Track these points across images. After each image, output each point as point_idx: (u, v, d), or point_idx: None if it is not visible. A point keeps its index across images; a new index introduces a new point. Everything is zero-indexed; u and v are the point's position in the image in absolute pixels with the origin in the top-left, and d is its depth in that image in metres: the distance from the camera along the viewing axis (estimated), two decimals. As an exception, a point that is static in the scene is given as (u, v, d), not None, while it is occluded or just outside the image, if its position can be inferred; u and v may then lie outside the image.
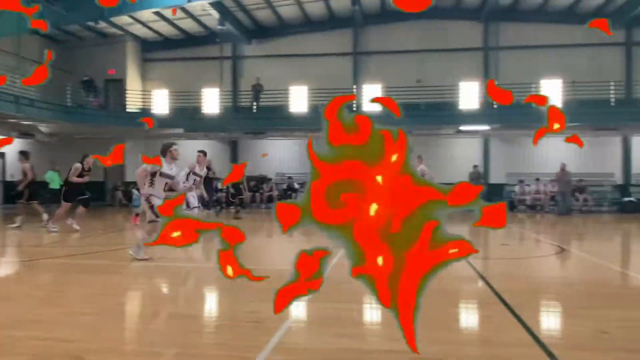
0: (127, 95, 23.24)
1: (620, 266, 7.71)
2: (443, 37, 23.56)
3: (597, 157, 22.40)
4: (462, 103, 22.14)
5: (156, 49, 25.28)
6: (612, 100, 20.75)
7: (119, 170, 24.15)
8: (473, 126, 21.20)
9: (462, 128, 21.47)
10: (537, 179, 20.04)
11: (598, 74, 22.09)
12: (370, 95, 23.27)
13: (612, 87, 20.50)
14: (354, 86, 23.18)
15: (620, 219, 16.65)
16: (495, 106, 20.47)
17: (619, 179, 21.62)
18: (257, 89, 22.27)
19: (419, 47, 23.54)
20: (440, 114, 20.67)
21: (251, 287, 5.85)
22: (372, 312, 4.91)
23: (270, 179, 22.48)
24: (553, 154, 22.74)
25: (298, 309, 4.77)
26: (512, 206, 19.83)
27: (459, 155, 23.40)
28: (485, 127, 21.05)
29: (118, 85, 23.63)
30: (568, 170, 18.84)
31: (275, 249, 10.01)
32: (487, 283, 6.03)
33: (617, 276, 6.89)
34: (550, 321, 4.66)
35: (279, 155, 24.37)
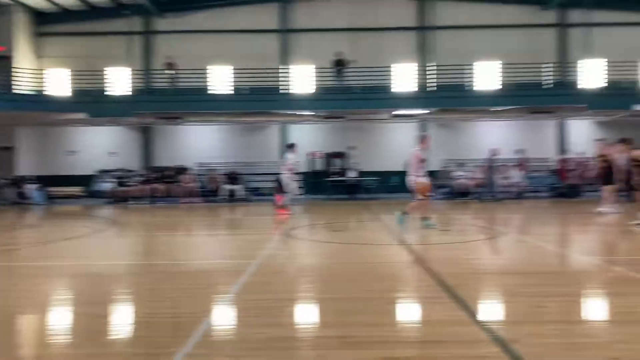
0: (15, 75, 21.79)
1: (557, 247, 8.34)
2: (375, 15, 24.14)
3: (534, 142, 23.94)
4: (397, 86, 22.76)
5: (53, 22, 23.91)
6: (548, 82, 22.15)
7: (8, 161, 22.72)
8: (409, 110, 21.87)
9: (398, 112, 22.10)
10: (464, 164, 21.10)
11: (533, 56, 23.55)
12: (300, 76, 23.42)
13: (546, 70, 21.89)
14: (282, 66, 23.21)
15: (557, 204, 17.90)
16: (430, 89, 21.29)
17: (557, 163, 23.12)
18: (172, 68, 21.65)
19: (351, 25, 23.99)
20: (374, 97, 21.14)
21: (172, 283, 5.81)
22: (304, 303, 5.04)
23: (188, 169, 22.00)
24: (491, 139, 24.07)
25: (223, 304, 4.80)
26: (453, 192, 20.73)
27: (396, 141, 24.15)
28: (421, 111, 21.79)
29: (5, 63, 22.09)
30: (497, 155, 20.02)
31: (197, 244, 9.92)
32: (427, 267, 6.34)
33: (553, 256, 7.47)
34: (488, 300, 4.99)
35: (200, 143, 23.96)
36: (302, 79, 22.45)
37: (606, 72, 22.31)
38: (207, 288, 5.46)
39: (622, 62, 21.57)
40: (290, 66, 23.41)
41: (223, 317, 4.42)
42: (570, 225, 12.26)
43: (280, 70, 22.69)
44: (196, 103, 21.39)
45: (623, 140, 10.64)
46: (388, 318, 4.29)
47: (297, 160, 15.06)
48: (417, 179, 10.28)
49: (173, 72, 21.66)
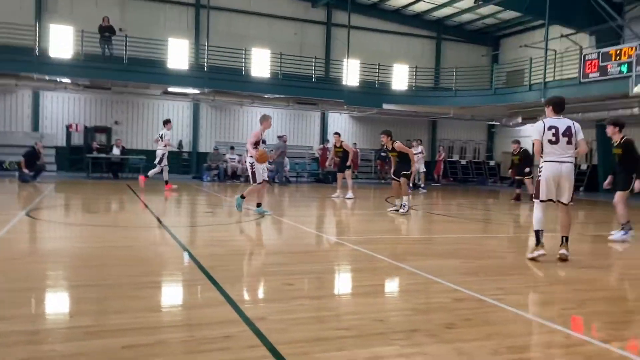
0: None
1: (313, 228, 8.97)
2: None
3: (301, 130, 25.55)
4: (171, 62, 21.96)
5: None
6: (315, 76, 23.83)
7: None
8: (182, 88, 21.27)
9: (171, 89, 21.33)
10: (232, 147, 21.56)
11: (302, 49, 25.05)
12: (57, 38, 20.88)
13: (313, 64, 23.49)
14: (36, 24, 20.38)
15: (315, 188, 19.38)
16: (205, 69, 21.02)
17: (316, 151, 25.02)
18: None
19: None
20: (145, 71, 19.99)
21: None
22: (43, 292, 4.46)
23: None
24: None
25: None
26: (226, 174, 20.85)
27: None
28: (195, 91, 21.39)
29: None
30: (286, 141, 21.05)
31: None
32: (185, 249, 6.19)
33: (309, 236, 8.00)
34: (242, 280, 5.07)
35: None
36: (61, 41, 20.07)
37: (363, 72, 24.92)
38: None
39: (376, 65, 24.32)
40: (49, 25, 20.76)
41: None
42: (323, 208, 13.35)
43: (34, 28, 19.87)
44: None
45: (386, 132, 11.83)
46: (137, 303, 4.02)
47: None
48: (250, 159, 9.83)
49: None
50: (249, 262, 5.99)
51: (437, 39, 28.17)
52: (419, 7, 25.85)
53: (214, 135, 24.23)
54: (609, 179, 8.61)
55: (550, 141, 6.05)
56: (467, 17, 26.52)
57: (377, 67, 24.27)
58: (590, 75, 17.51)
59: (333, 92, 23.14)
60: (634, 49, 15.80)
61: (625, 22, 19.17)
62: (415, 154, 19.21)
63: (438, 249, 7.38)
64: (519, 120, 24.06)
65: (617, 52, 16.66)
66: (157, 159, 14.97)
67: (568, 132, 6.07)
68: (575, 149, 6.13)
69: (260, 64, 23.71)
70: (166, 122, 15.19)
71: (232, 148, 21.54)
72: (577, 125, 6.16)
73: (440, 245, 7.73)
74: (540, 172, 6.23)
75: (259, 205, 9.99)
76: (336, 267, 5.82)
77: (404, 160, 11.32)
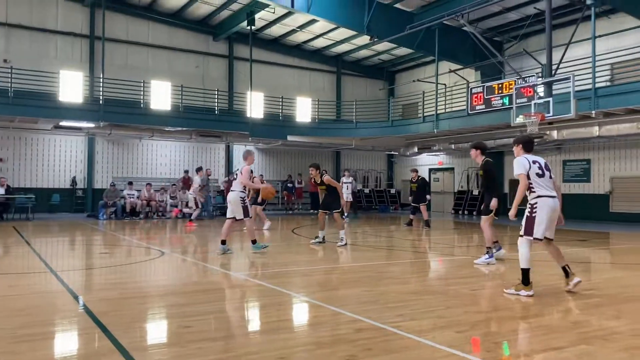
0: None
1: (216, 265, 8.71)
2: (41, 14, 21.71)
3: (206, 163, 25.04)
4: (63, 94, 20.82)
5: None
6: (218, 108, 23.61)
7: None
8: (76, 122, 20.17)
9: (63, 124, 20.15)
10: (130, 183, 20.61)
11: (205, 81, 24.82)
12: None
13: (216, 96, 23.31)
14: None
15: (222, 222, 18.95)
16: (101, 102, 20.13)
17: (222, 184, 24.59)
18: None
19: (7, 20, 21.00)
20: (33, 104, 18.74)
21: None
22: None
23: None
24: (161, 159, 24.16)
25: None
26: (124, 211, 19.83)
27: (60, 156, 22.00)
28: (90, 124, 20.36)
29: None
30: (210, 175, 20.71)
31: None
32: (74, 295, 5.75)
33: (211, 274, 7.75)
34: (136, 325, 4.77)
35: None
36: None
37: (267, 105, 25.11)
38: None
39: (279, 97, 24.62)
40: None
41: None
42: (228, 243, 13.07)
43: None
44: None
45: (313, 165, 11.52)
46: (16, 358, 3.64)
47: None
48: (241, 194, 9.44)
49: None
50: (145, 305, 5.65)
51: (337, 74, 29.10)
52: (319, 43, 26.63)
53: (111, 171, 23.11)
54: (494, 201, 8.83)
55: (538, 174, 5.92)
56: (364, 53, 27.70)
57: (281, 100, 24.56)
58: (477, 107, 18.85)
59: (237, 125, 23.03)
60: (512, 83, 17.25)
61: (505, 58, 20.95)
62: (344, 183, 19.59)
63: (342, 278, 7.44)
64: (415, 150, 25.32)
65: (499, 86, 18.13)
66: (192, 203, 18.15)
67: (547, 167, 6.05)
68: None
69: (161, 96, 23.14)
70: (198, 170, 18.59)
71: (130, 183, 20.58)
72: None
73: (344, 275, 7.81)
74: (534, 208, 5.90)
75: (254, 242, 9.74)
76: (238, 305, 5.66)
77: (333, 193, 11.12)
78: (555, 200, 5.92)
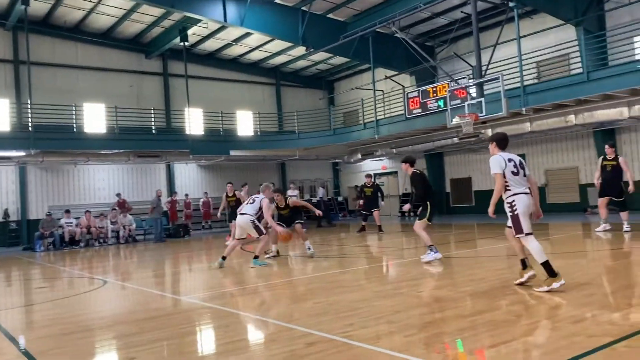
0: None
1: (162, 290, 8.46)
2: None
3: (145, 184, 24.40)
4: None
5: None
6: (156, 127, 23.09)
7: None
8: (4, 151, 19.21)
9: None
10: (67, 211, 19.72)
11: (140, 101, 24.24)
12: None
13: (152, 115, 22.81)
14: None
15: (166, 245, 18.48)
16: (30, 129, 19.27)
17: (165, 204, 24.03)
18: None
19: None
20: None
21: None
22: None
23: None
24: (99, 184, 23.35)
25: None
26: (62, 241, 19.00)
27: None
28: (19, 153, 19.43)
29: None
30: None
31: None
32: (9, 335, 5.42)
33: (157, 300, 7.51)
34: (80, 362, 4.55)
35: None
36: None
37: (207, 121, 24.80)
38: None
39: (219, 113, 24.37)
40: None
41: None
42: (176, 265, 12.76)
43: None
44: None
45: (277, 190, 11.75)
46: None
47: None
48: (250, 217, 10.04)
49: None
50: (88, 339, 5.39)
51: (276, 85, 29.13)
52: (256, 55, 26.59)
53: (46, 200, 22.12)
54: (407, 205, 10.37)
55: (513, 173, 6.02)
56: (301, 63, 27.88)
57: (221, 115, 24.31)
58: (414, 111, 19.31)
59: (176, 143, 22.60)
60: (446, 86, 17.80)
61: (437, 62, 21.62)
62: (290, 196, 19.40)
63: (292, 292, 7.39)
64: (359, 156, 25.64)
65: (434, 90, 18.64)
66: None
67: (522, 165, 6.16)
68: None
69: (95, 119, 22.42)
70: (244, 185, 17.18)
71: (67, 211, 19.71)
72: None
73: (294, 288, 7.76)
74: (513, 206, 6.01)
75: (256, 257, 10.04)
76: (186, 330, 5.49)
77: (297, 212, 11.45)
78: (529, 197, 6.06)
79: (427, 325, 4.84)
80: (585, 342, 3.96)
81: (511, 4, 16.42)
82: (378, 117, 21.76)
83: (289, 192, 19.84)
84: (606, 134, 18.92)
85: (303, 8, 20.96)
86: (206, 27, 22.70)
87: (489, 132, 19.46)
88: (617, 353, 3.68)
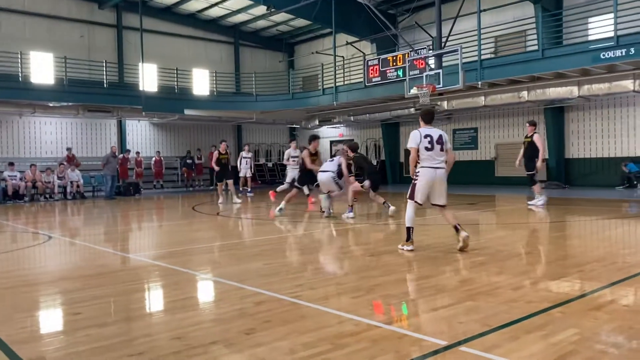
0: None
1: (110, 247, 8.29)
2: None
3: (94, 140, 23.62)
4: None
5: None
6: (108, 81, 22.21)
7: None
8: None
9: None
10: (11, 164, 18.86)
11: (91, 53, 23.20)
12: None
13: (104, 69, 21.89)
14: None
15: (115, 202, 18.05)
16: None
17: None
18: None
19: None
20: None
21: None
22: None
23: None
24: (46, 137, 22.44)
25: None
26: (5, 195, 18.25)
27: None
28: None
29: None
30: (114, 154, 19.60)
31: None
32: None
33: (104, 256, 7.36)
34: (16, 317, 4.41)
35: None
36: None
37: (161, 77, 24.03)
38: None
39: (174, 69, 23.64)
40: None
41: None
42: (127, 223, 12.52)
43: None
44: None
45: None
46: None
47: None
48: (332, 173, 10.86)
49: None
50: (29, 294, 5.22)
51: (235, 45, 28.41)
52: (214, 12, 25.79)
53: (-11, 151, 21.13)
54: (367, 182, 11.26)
55: (426, 148, 6.50)
56: (262, 23, 27.24)
57: (176, 72, 23.61)
58: (374, 79, 19.31)
59: (129, 98, 21.85)
60: (406, 55, 17.83)
61: (399, 31, 21.57)
62: (244, 157, 19.09)
63: (244, 253, 7.38)
64: (317, 122, 25.55)
65: (394, 59, 18.66)
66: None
67: (440, 140, 6.57)
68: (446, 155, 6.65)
69: (42, 69, 21.35)
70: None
71: (11, 164, 18.87)
72: (445, 135, 6.71)
73: (247, 249, 7.75)
74: (416, 176, 6.63)
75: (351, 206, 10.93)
76: (132, 287, 5.41)
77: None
78: (436, 171, 6.55)
79: (375, 287, 4.94)
80: (524, 307, 4.14)
81: (474, -23, 16.47)
82: (337, 84, 21.65)
83: (243, 154, 19.46)
84: (556, 112, 19.52)
85: (266, -35, 20.38)
86: (164, -21, 21.78)
87: (445, 104, 19.73)
88: (552, 318, 3.87)
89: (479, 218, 11.30)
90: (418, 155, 6.56)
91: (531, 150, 12.33)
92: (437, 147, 6.53)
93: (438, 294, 4.64)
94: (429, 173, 6.55)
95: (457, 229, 6.64)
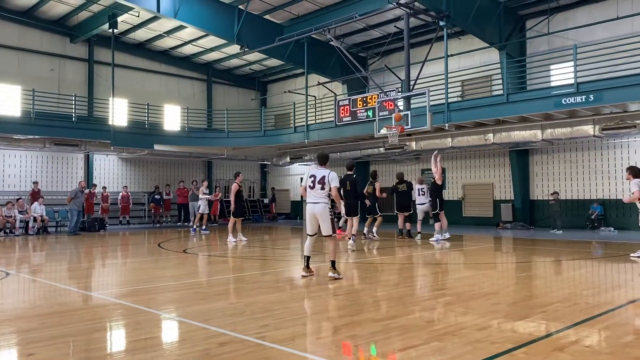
0: None
1: (71, 285, 8.02)
2: None
3: (62, 174, 23.14)
4: None
5: None
6: (76, 115, 21.93)
7: None
8: None
9: None
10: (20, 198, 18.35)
11: (61, 86, 22.99)
12: None
13: (74, 102, 21.65)
14: None
15: (79, 238, 17.57)
16: None
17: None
18: None
19: None
20: None
21: None
22: None
23: None
24: (9, 170, 21.91)
25: None
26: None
27: None
28: None
29: None
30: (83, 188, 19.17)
31: None
32: None
33: (64, 294, 7.11)
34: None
35: None
36: None
37: (131, 112, 23.89)
38: None
39: (145, 104, 23.54)
40: None
41: None
42: (91, 259, 12.18)
43: None
44: None
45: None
46: None
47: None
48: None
49: None
50: (-18, 333, 5.01)
51: (207, 82, 28.58)
52: (188, 49, 25.98)
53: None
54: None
55: (309, 186, 7.66)
56: (235, 62, 27.54)
57: (147, 107, 23.52)
58: (344, 119, 19.61)
59: (98, 133, 21.59)
60: (376, 97, 18.21)
61: (369, 73, 22.07)
62: (204, 194, 18.78)
63: (209, 291, 7.24)
64: (288, 159, 25.66)
65: (364, 99, 19.03)
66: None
67: (322, 180, 7.59)
68: (329, 192, 7.60)
69: (9, 101, 21.00)
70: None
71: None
72: (332, 174, 7.60)
73: (212, 288, 7.61)
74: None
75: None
76: (93, 327, 5.22)
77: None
78: (312, 206, 7.64)
79: (341, 328, 4.89)
80: (488, 347, 4.16)
81: (441, 23, 17.08)
82: (309, 122, 21.89)
83: (202, 189, 19.08)
84: (521, 154, 20.08)
85: (240, 6, 20.73)
86: (138, 16, 21.92)
87: (414, 144, 20.10)
88: (516, 359, 3.89)
89: (445, 257, 11.39)
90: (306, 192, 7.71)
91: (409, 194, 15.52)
92: (318, 186, 7.57)
93: (405, 334, 4.62)
94: (308, 208, 7.68)
95: (332, 264, 7.66)
